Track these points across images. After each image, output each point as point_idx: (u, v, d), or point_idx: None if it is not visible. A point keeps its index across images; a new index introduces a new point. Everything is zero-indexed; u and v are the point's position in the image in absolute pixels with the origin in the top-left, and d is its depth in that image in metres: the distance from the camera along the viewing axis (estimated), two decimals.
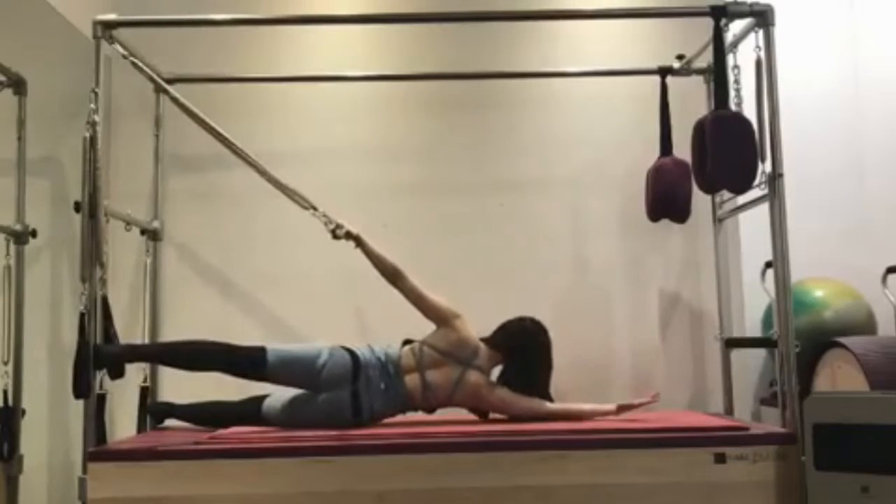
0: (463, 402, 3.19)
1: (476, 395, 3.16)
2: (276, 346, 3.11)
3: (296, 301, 3.77)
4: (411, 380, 3.12)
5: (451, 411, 3.30)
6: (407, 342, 3.20)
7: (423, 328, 3.21)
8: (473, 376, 3.14)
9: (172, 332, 3.65)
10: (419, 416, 3.27)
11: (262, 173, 3.26)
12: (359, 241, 3.23)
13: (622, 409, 3.16)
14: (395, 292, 3.21)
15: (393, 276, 3.19)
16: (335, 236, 3.25)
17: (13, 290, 3.26)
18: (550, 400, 3.21)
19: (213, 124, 3.21)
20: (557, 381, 3.63)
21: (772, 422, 3.46)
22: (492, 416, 3.28)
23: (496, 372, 3.25)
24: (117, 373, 3.03)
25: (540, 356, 3.22)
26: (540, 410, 3.16)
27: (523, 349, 3.21)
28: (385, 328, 3.48)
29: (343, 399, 3.05)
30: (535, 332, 3.24)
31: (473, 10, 3.45)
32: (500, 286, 3.74)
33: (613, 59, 3.83)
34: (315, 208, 3.28)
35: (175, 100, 3.25)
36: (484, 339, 3.21)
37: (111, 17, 3.07)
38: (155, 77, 3.34)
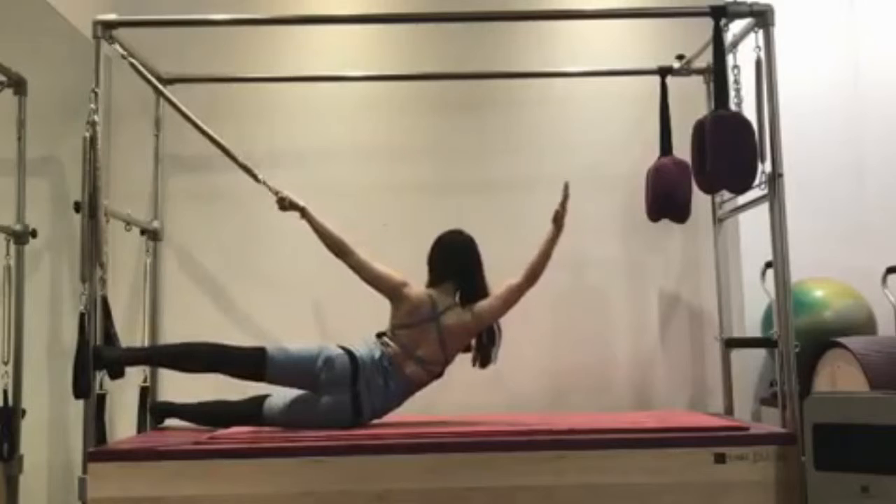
0: (457, 346, 3.19)
1: (462, 330, 3.16)
2: (276, 347, 3.11)
3: (295, 301, 3.76)
4: (408, 365, 3.11)
5: (452, 412, 3.31)
6: (380, 335, 3.19)
7: None
8: (448, 319, 3.13)
9: (172, 332, 3.65)
10: (419, 416, 3.27)
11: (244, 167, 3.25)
12: (304, 213, 3.21)
13: (557, 217, 3.21)
14: None
15: (339, 249, 3.17)
16: (281, 208, 3.22)
17: (13, 290, 3.26)
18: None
19: (200, 123, 3.21)
20: (558, 381, 3.63)
21: (772, 422, 3.46)
22: (493, 416, 3.29)
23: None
24: (117, 373, 3.03)
25: (476, 258, 3.23)
26: (515, 288, 3.17)
27: (463, 264, 3.22)
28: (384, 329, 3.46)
29: (344, 402, 3.04)
30: (460, 243, 3.25)
31: (473, 10, 3.45)
32: (500, 286, 3.72)
33: (613, 59, 3.82)
34: (257, 178, 3.23)
35: (168, 100, 3.24)
36: (429, 284, 3.21)
37: (111, 17, 3.07)
38: (150, 78, 3.32)
